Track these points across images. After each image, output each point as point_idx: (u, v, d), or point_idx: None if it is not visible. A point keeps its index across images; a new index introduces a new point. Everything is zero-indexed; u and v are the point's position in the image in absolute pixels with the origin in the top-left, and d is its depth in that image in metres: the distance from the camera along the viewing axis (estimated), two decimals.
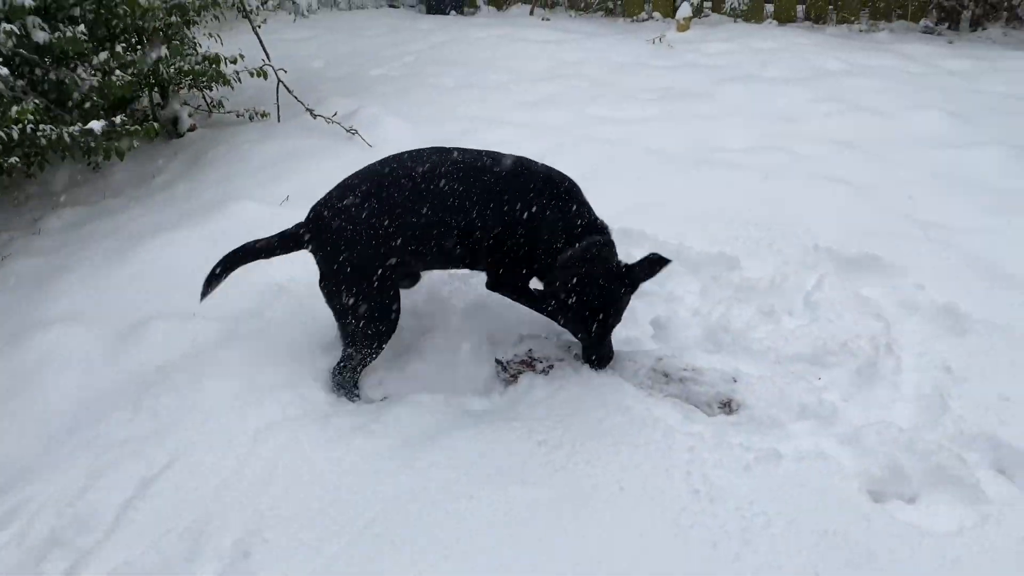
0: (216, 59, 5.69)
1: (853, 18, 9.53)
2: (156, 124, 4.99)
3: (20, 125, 4.13)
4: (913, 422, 2.69)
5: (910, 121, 5.65)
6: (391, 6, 11.73)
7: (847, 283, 3.42)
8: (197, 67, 5.63)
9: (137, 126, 4.86)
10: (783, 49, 8.02)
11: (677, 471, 2.45)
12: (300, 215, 4.35)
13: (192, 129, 6.11)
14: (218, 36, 6.50)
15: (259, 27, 6.22)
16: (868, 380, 2.89)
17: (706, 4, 9.86)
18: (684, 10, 9.21)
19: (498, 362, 3.14)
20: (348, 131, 5.38)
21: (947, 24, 9.28)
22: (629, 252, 3.30)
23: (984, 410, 2.70)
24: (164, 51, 5.31)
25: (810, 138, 5.35)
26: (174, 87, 5.94)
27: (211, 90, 6.41)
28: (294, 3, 6.35)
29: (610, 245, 2.88)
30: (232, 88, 6.12)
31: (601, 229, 2.91)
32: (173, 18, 5.59)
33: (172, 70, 5.49)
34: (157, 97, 6.05)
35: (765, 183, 4.54)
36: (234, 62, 5.86)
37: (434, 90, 6.82)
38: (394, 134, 5.46)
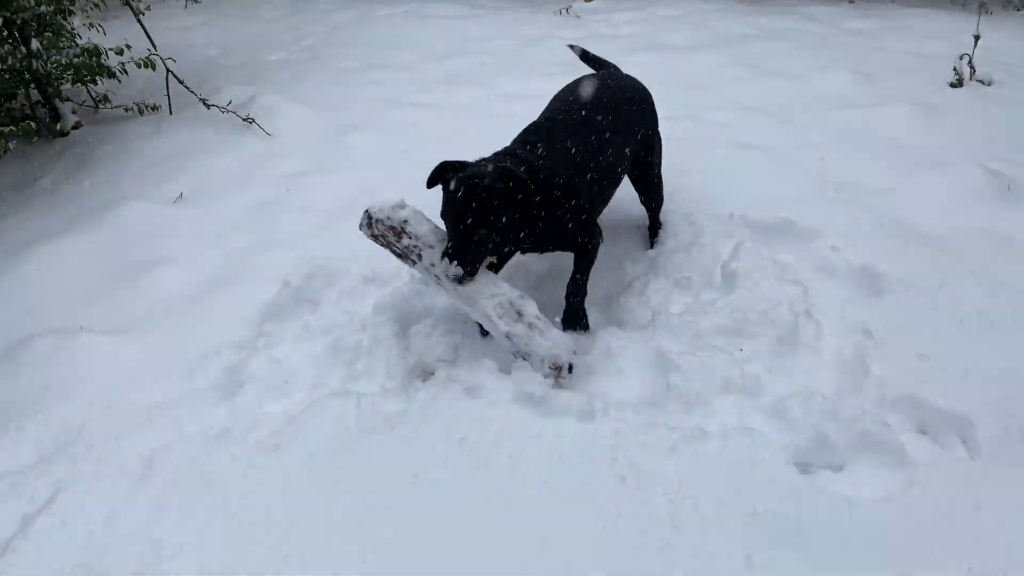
0: (96, 51, 5.32)
1: None
2: (34, 123, 4.64)
3: None
4: (836, 388, 2.67)
5: (817, 82, 5.69)
6: None
7: (763, 250, 3.37)
8: (77, 60, 5.25)
9: (12, 126, 4.52)
10: (689, 16, 8.01)
11: (602, 458, 2.35)
12: (196, 213, 4.16)
13: (77, 127, 5.70)
14: (100, 26, 6.09)
15: (143, 14, 5.85)
16: (790, 348, 2.84)
17: None
18: None
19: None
20: (244, 120, 5.10)
21: None
22: None
23: (904, 371, 2.69)
24: (37, 45, 4.94)
25: (720, 105, 5.32)
26: (54, 83, 5.53)
27: (95, 84, 6.00)
28: None
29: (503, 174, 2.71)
30: (119, 81, 5.74)
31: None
32: (46, 7, 5.20)
33: (50, 64, 5.11)
34: (36, 94, 5.63)
35: (677, 153, 4.47)
36: (120, 53, 5.49)
37: (336, 73, 6.56)
38: (293, 121, 5.22)
